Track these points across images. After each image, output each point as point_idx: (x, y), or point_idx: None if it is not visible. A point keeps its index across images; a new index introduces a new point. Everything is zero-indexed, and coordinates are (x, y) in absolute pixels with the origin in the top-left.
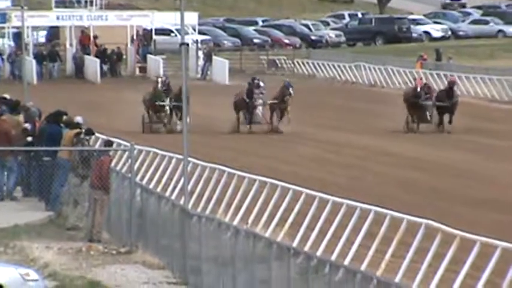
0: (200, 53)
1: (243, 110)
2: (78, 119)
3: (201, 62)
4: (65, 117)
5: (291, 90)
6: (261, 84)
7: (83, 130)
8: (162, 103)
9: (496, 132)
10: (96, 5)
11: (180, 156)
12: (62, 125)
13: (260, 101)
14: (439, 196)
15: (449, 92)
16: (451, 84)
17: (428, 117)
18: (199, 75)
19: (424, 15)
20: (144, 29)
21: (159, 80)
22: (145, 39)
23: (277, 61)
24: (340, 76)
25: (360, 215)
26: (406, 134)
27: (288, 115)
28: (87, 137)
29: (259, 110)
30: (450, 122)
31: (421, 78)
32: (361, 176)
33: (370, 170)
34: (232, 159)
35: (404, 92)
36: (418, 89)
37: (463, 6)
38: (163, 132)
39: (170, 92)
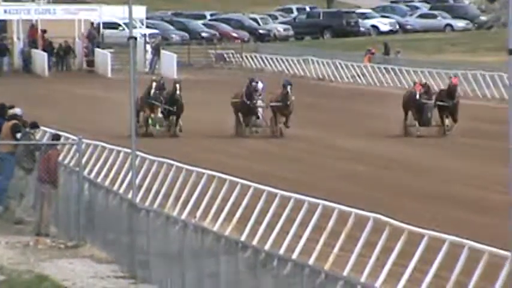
0: (148, 47)
1: (243, 112)
2: (17, 110)
3: (149, 55)
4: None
5: (288, 88)
6: (260, 85)
7: (28, 123)
8: (156, 102)
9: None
10: None
11: (128, 150)
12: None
13: (260, 102)
14: (388, 190)
15: (450, 93)
16: (454, 87)
17: (430, 119)
18: (147, 69)
19: (372, 9)
20: (92, 23)
21: (154, 84)
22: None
23: (225, 55)
24: (288, 70)
25: (307, 209)
26: (405, 137)
27: (288, 119)
28: (32, 130)
29: (259, 113)
30: (455, 120)
31: (420, 83)
32: (308, 170)
33: (318, 164)
34: (178, 152)
35: (404, 96)
36: (417, 96)
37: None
38: (162, 136)
39: (163, 92)
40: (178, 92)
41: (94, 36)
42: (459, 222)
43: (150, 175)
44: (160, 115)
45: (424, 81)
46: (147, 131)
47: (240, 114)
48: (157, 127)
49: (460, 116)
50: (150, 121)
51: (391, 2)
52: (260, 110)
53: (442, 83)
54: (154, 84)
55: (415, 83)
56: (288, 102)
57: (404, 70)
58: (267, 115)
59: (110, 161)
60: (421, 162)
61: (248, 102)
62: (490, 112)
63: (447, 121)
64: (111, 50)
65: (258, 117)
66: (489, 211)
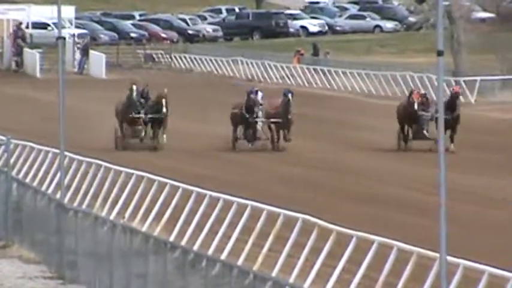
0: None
1: (241, 125)
2: None
3: (77, 56)
4: None
5: (290, 96)
6: (259, 95)
7: None
8: (137, 115)
9: (376, 128)
10: None
11: (56, 151)
12: None
13: (260, 114)
14: (320, 192)
15: (451, 103)
16: (455, 95)
17: (425, 133)
18: (76, 69)
19: (301, 10)
20: (20, 23)
21: (134, 87)
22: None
23: (155, 55)
24: (217, 71)
25: (236, 210)
26: (398, 152)
27: (289, 132)
28: None
29: (259, 125)
30: (452, 140)
31: (418, 92)
32: (242, 171)
33: (252, 165)
34: (111, 153)
35: (398, 106)
36: (416, 106)
37: None
38: (141, 148)
39: (148, 102)
40: (164, 109)
41: (22, 35)
42: (394, 224)
43: (78, 175)
44: (142, 126)
45: (421, 90)
46: (117, 142)
47: (238, 127)
48: (141, 139)
49: (389, 118)
50: (136, 133)
51: (310, 2)
52: (260, 123)
53: (371, 84)
54: (134, 87)
55: (411, 92)
56: (290, 116)
57: (333, 71)
58: (265, 128)
59: (39, 161)
60: (359, 165)
61: (248, 116)
62: None
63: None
64: (40, 50)
65: (256, 131)
66: (425, 213)
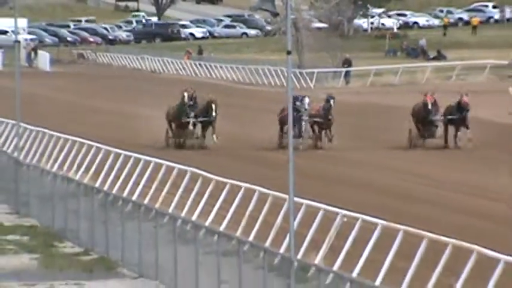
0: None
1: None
2: None
3: (32, 54)
4: None
5: (332, 102)
6: (306, 100)
7: None
8: (187, 119)
9: (245, 106)
10: None
11: (14, 122)
12: None
13: (306, 117)
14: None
15: (459, 107)
16: (465, 104)
17: (437, 132)
18: (27, 64)
19: (190, 21)
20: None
21: (186, 94)
22: None
23: (84, 54)
24: (130, 65)
25: (143, 165)
26: (409, 150)
27: (330, 132)
28: None
29: (303, 126)
30: (467, 129)
31: (431, 94)
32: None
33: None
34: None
35: (413, 108)
36: (429, 106)
37: None
38: (191, 147)
39: (197, 107)
40: (214, 112)
41: None
42: (247, 173)
43: (30, 140)
44: (191, 127)
45: (432, 93)
46: (168, 142)
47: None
48: (191, 138)
49: (254, 99)
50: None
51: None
52: (303, 123)
53: (239, 74)
54: (186, 94)
55: (426, 94)
56: (330, 117)
57: (213, 65)
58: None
59: (1, 129)
60: (244, 132)
61: (294, 115)
62: (275, 96)
63: (458, 134)
64: (2, 50)
65: (301, 129)
66: (281, 167)
